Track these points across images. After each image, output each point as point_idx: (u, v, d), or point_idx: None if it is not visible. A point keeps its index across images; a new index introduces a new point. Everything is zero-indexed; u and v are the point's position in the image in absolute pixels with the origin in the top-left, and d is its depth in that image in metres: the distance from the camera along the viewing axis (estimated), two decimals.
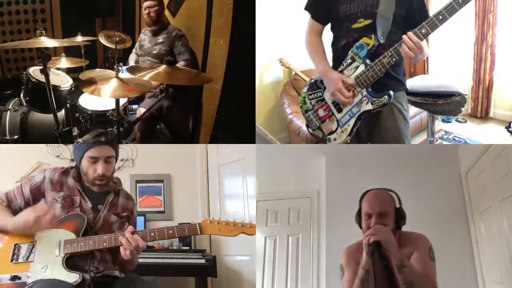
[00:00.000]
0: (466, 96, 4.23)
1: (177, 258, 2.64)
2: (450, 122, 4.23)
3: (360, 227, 1.44)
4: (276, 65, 3.69)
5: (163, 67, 2.24)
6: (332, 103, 1.97)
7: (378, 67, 1.78)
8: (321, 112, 2.01)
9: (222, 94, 2.68)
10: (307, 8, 2.03)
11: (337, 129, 1.97)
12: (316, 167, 2.66)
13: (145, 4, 3.07)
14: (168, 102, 3.00)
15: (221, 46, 2.57)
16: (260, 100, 3.57)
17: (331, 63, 2.01)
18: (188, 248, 2.86)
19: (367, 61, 1.81)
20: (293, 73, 3.65)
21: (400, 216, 1.40)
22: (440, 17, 1.61)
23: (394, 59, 1.74)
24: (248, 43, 2.45)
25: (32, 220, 1.43)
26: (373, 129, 1.96)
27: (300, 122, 3.27)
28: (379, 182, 2.40)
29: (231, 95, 2.64)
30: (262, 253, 2.65)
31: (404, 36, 1.66)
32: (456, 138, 3.86)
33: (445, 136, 3.89)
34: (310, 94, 2.05)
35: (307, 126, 2.11)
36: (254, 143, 2.63)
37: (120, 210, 1.65)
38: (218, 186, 3.06)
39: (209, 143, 2.99)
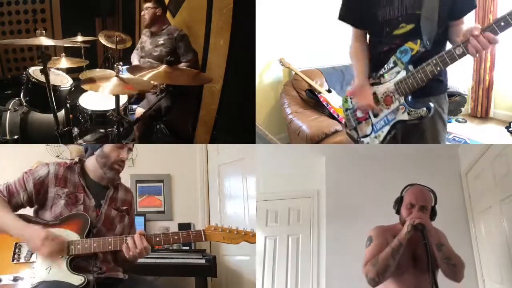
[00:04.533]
0: (466, 96, 4.28)
1: (177, 258, 2.64)
2: (450, 122, 4.23)
3: (397, 212, 1.67)
4: (276, 65, 3.69)
5: (163, 67, 2.24)
6: None
7: (420, 75, 1.62)
8: (359, 113, 1.95)
9: (222, 94, 2.68)
10: (341, 17, 1.91)
11: (371, 133, 1.89)
12: (316, 167, 2.66)
13: (145, 5, 3.09)
14: (167, 102, 3.00)
15: (221, 46, 2.56)
16: (260, 100, 3.57)
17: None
18: (188, 248, 2.85)
19: (409, 67, 1.68)
20: (293, 73, 3.65)
21: (433, 213, 1.64)
22: (502, 23, 1.41)
23: (438, 68, 1.57)
24: (248, 43, 2.45)
25: (37, 242, 1.40)
26: (410, 136, 1.86)
27: (300, 122, 3.27)
28: (379, 182, 2.42)
29: (231, 95, 2.64)
30: (262, 253, 2.65)
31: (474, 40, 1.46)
32: (456, 138, 3.86)
33: None
34: None
35: (345, 125, 2.06)
36: (254, 143, 2.63)
37: (120, 204, 1.66)
38: (218, 186, 3.06)
39: (209, 143, 2.98)
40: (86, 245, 1.45)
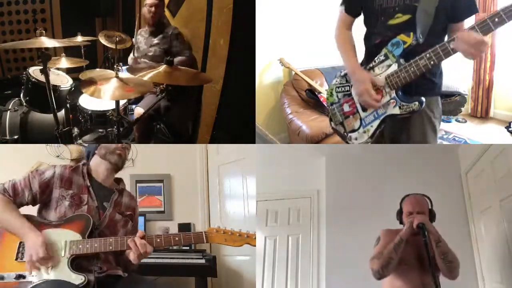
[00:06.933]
0: (466, 96, 4.27)
1: (177, 258, 2.64)
2: (450, 122, 4.23)
3: (400, 222, 1.76)
4: (276, 65, 3.69)
5: (163, 67, 2.24)
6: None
7: (412, 69, 1.61)
8: (346, 107, 1.89)
9: (222, 94, 2.67)
10: (342, 1, 1.90)
11: (359, 128, 1.85)
12: (316, 167, 2.66)
13: (149, 1, 3.06)
14: (167, 102, 3.00)
15: (221, 46, 2.56)
16: (260, 100, 3.57)
17: (361, 59, 1.88)
18: (188, 248, 2.85)
19: (401, 60, 1.66)
20: (293, 73, 3.65)
21: (431, 216, 1.72)
22: (496, 19, 1.39)
23: (432, 62, 1.56)
24: (248, 43, 2.45)
25: (33, 251, 1.42)
26: (397, 134, 1.84)
27: (300, 122, 3.27)
28: (379, 182, 2.42)
29: (231, 95, 2.63)
30: (262, 253, 2.65)
31: (463, 34, 1.45)
32: (456, 138, 3.86)
33: (445, 136, 3.88)
34: (338, 87, 1.92)
35: (330, 120, 2.00)
36: (254, 143, 2.62)
37: (124, 209, 1.67)
38: (218, 186, 3.06)
39: (209, 143, 2.98)
40: (87, 245, 1.47)
